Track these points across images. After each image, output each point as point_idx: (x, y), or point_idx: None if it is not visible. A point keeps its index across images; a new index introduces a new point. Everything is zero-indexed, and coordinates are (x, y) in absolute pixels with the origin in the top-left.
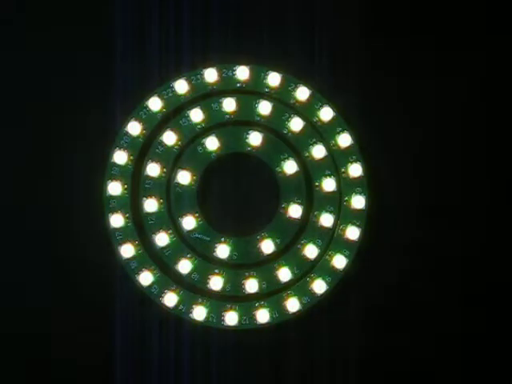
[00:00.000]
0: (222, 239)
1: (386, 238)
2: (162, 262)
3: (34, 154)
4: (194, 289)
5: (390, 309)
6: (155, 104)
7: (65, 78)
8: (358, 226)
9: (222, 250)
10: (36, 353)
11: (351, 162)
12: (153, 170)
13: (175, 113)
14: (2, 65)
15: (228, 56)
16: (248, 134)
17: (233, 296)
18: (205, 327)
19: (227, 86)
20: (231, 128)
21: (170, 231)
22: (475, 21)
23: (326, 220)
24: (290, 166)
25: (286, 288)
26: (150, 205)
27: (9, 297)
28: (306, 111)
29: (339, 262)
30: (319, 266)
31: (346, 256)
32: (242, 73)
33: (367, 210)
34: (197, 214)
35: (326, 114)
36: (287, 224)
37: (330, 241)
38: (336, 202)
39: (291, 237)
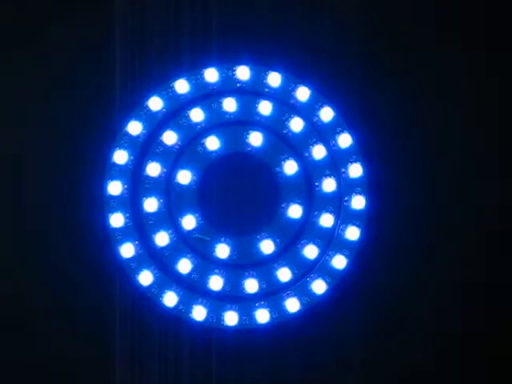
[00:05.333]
0: (222, 239)
1: (386, 238)
2: (161, 262)
3: (34, 154)
4: (194, 289)
5: (389, 309)
6: (155, 104)
7: (65, 78)
8: (358, 226)
9: (222, 250)
10: (36, 352)
11: (351, 162)
12: (153, 169)
13: (175, 113)
14: (2, 64)
15: (228, 56)
16: (248, 133)
17: (233, 296)
18: (205, 327)
19: (227, 86)
20: (231, 128)
21: (170, 231)
22: (477, 20)
23: (326, 220)
24: (290, 166)
25: (286, 288)
26: (150, 205)
27: (8, 296)
28: (306, 111)
29: (339, 262)
30: (319, 266)
31: (345, 256)
32: (242, 73)
33: (367, 210)
34: (197, 214)
35: (326, 114)
36: (287, 224)
37: (330, 241)
38: (336, 202)
39: (291, 237)
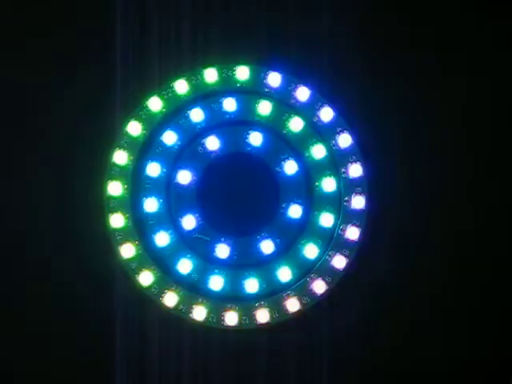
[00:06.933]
0: (222, 239)
1: (385, 238)
2: (162, 262)
3: (34, 154)
4: (194, 289)
5: (389, 309)
6: (155, 104)
7: (65, 78)
8: (358, 226)
9: (222, 250)
10: (36, 352)
11: (351, 162)
12: (153, 169)
13: (175, 113)
14: (2, 65)
15: (228, 56)
16: (248, 133)
17: (233, 296)
18: (205, 327)
19: (227, 86)
20: (231, 128)
21: (170, 231)
22: (478, 21)
23: (326, 220)
24: (289, 166)
25: (286, 288)
26: (150, 205)
27: (8, 296)
28: (306, 111)
29: (339, 262)
30: (319, 266)
31: (345, 256)
32: (242, 73)
33: (367, 210)
34: (197, 214)
35: (326, 114)
36: (287, 224)
37: (330, 241)
38: (336, 202)
39: (291, 237)
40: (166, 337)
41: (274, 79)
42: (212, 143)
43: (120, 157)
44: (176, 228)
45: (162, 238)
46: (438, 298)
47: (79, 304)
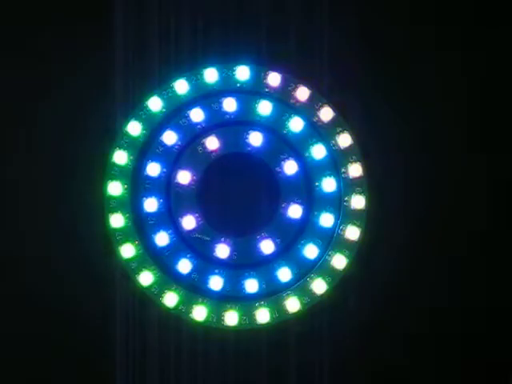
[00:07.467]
0: (222, 239)
1: (385, 238)
2: (162, 262)
3: (34, 154)
4: (193, 289)
5: (389, 309)
6: (155, 104)
7: (65, 78)
8: (358, 226)
9: (222, 250)
10: (36, 352)
11: (351, 162)
12: (153, 169)
13: (175, 113)
14: (2, 65)
15: (228, 56)
16: (248, 133)
17: (233, 296)
18: (205, 327)
19: (227, 86)
20: (231, 128)
21: (170, 231)
22: (476, 18)
23: (326, 220)
24: (289, 166)
25: (286, 288)
26: (150, 205)
27: (8, 296)
28: (306, 111)
29: (339, 261)
30: (319, 266)
31: (346, 256)
32: (242, 73)
33: (367, 210)
34: (197, 214)
35: (326, 113)
36: (287, 224)
37: (330, 241)
38: (336, 202)
39: (291, 237)
40: (166, 337)
41: (274, 79)
42: (212, 143)
43: (120, 157)
44: (176, 228)
45: (161, 238)
46: (438, 297)
47: (79, 304)
